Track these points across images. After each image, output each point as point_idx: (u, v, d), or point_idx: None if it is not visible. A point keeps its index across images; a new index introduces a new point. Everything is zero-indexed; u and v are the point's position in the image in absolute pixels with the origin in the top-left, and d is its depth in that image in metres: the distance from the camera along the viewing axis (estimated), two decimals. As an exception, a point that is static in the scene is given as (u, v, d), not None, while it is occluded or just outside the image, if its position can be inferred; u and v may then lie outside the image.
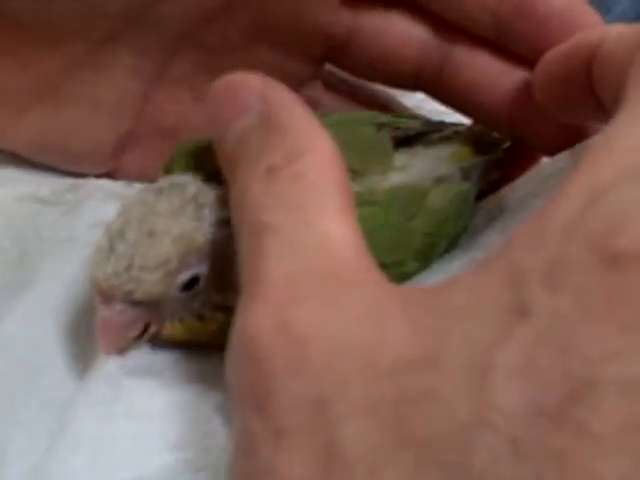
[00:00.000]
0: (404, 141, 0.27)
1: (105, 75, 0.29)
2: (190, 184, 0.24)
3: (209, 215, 0.23)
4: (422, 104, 0.32)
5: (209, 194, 0.23)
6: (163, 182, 0.24)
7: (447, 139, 0.28)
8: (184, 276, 0.22)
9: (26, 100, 0.29)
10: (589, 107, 0.23)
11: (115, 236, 0.22)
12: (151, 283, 0.22)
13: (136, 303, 0.22)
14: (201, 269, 0.23)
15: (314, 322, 0.16)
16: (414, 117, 0.30)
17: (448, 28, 0.28)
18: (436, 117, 0.32)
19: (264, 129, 0.20)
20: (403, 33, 0.29)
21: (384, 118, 0.28)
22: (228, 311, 0.24)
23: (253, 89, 0.21)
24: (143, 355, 0.23)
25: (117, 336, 0.23)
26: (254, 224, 0.19)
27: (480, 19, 0.27)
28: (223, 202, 0.23)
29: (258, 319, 0.17)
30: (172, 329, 0.24)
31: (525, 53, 0.27)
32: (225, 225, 0.23)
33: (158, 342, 0.24)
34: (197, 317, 0.24)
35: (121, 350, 0.23)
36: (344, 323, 0.16)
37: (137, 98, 0.30)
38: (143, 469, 0.20)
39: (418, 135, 0.27)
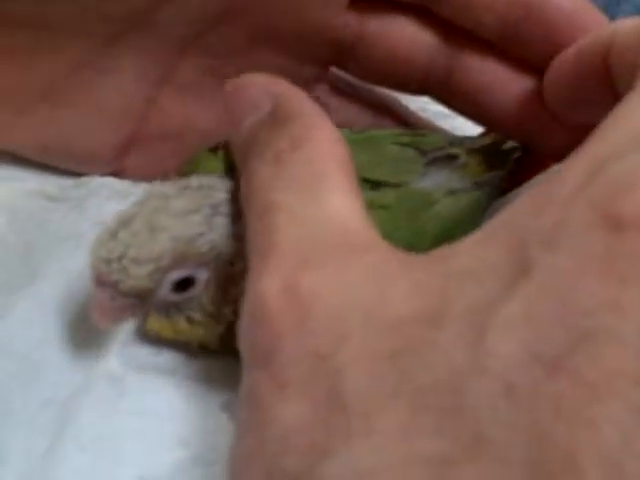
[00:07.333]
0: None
1: (109, 78, 0.29)
2: (220, 191, 0.23)
3: (223, 226, 0.23)
4: (427, 106, 0.32)
5: (233, 206, 0.23)
6: (195, 180, 0.24)
7: (462, 154, 0.28)
8: (175, 275, 0.22)
9: (27, 101, 0.29)
10: (606, 104, 0.23)
11: (123, 222, 0.22)
12: (138, 277, 0.22)
13: (124, 293, 0.22)
14: (199, 274, 0.23)
15: (319, 285, 0.17)
16: (433, 133, 0.30)
17: (456, 32, 0.28)
18: (441, 119, 0.32)
19: (272, 121, 0.22)
20: (411, 37, 0.28)
21: (405, 138, 0.27)
22: (220, 321, 0.23)
23: (261, 87, 0.23)
24: (149, 354, 0.23)
25: (110, 318, 0.23)
26: (263, 205, 0.20)
27: (488, 23, 0.27)
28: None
29: (268, 284, 0.18)
30: (158, 323, 0.23)
31: (534, 58, 0.27)
32: (241, 241, 0.22)
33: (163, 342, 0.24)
34: (186, 318, 0.23)
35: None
36: (347, 285, 0.17)
37: (141, 101, 0.30)
38: (152, 466, 0.20)
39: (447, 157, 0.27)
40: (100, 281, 0.22)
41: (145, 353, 0.23)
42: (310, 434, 0.15)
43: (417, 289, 0.16)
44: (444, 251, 0.17)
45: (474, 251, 0.16)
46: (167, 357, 0.23)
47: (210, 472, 0.20)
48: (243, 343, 0.18)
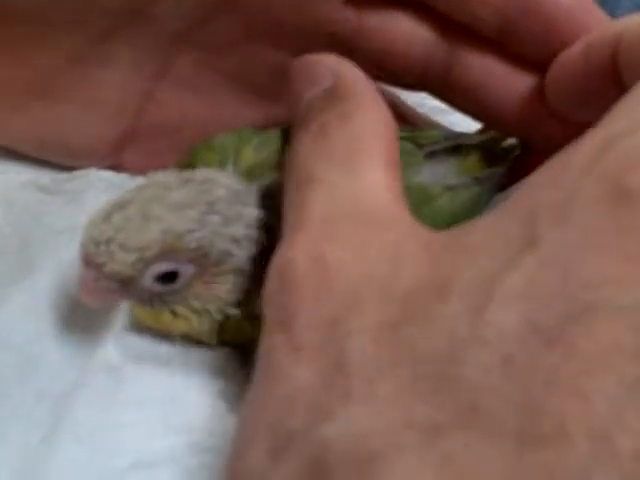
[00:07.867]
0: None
1: (105, 72, 0.29)
2: (221, 187, 0.23)
3: (216, 225, 0.22)
4: (424, 101, 0.32)
5: (232, 208, 0.23)
6: (200, 172, 0.23)
7: (460, 150, 0.28)
8: (160, 267, 0.22)
9: (23, 96, 0.29)
10: (612, 101, 0.23)
11: (119, 205, 0.22)
12: (122, 263, 0.22)
13: (107, 276, 0.22)
14: (184, 269, 0.22)
15: (343, 256, 0.18)
16: (430, 129, 0.30)
17: (454, 28, 0.28)
18: (439, 115, 0.32)
19: (327, 97, 0.22)
20: (408, 32, 0.28)
21: (403, 133, 0.27)
22: (204, 318, 0.23)
23: (325, 65, 0.24)
24: (147, 345, 0.23)
25: (94, 297, 0.23)
26: (303, 176, 0.21)
27: (485, 18, 0.27)
28: (243, 220, 0.23)
29: (296, 250, 0.19)
30: (142, 312, 0.23)
31: (532, 53, 0.27)
32: (232, 242, 0.23)
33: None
34: (170, 311, 0.23)
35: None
36: (366, 259, 0.18)
37: (138, 95, 0.30)
38: (146, 453, 0.20)
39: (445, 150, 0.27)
40: (87, 261, 0.22)
41: (143, 343, 0.23)
42: (314, 396, 0.16)
43: (430, 264, 0.17)
44: (463, 228, 0.17)
45: (489, 226, 0.17)
46: (165, 347, 0.23)
47: (207, 459, 0.20)
48: (266, 305, 0.19)
